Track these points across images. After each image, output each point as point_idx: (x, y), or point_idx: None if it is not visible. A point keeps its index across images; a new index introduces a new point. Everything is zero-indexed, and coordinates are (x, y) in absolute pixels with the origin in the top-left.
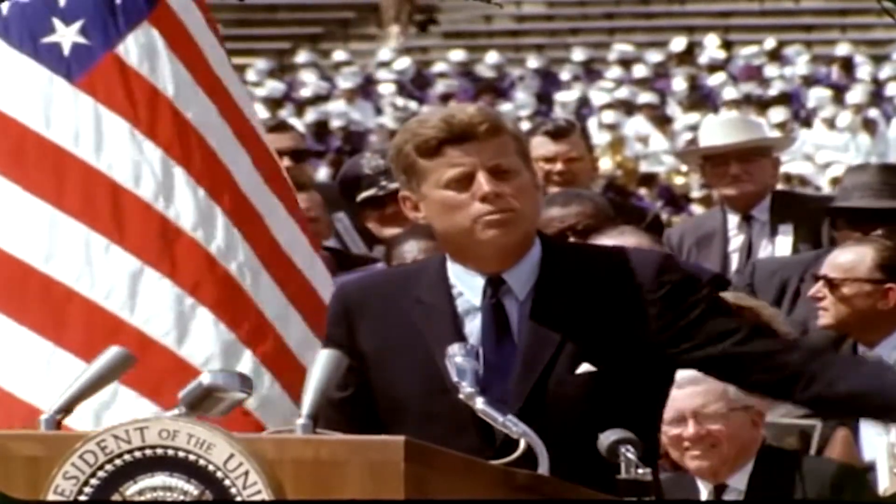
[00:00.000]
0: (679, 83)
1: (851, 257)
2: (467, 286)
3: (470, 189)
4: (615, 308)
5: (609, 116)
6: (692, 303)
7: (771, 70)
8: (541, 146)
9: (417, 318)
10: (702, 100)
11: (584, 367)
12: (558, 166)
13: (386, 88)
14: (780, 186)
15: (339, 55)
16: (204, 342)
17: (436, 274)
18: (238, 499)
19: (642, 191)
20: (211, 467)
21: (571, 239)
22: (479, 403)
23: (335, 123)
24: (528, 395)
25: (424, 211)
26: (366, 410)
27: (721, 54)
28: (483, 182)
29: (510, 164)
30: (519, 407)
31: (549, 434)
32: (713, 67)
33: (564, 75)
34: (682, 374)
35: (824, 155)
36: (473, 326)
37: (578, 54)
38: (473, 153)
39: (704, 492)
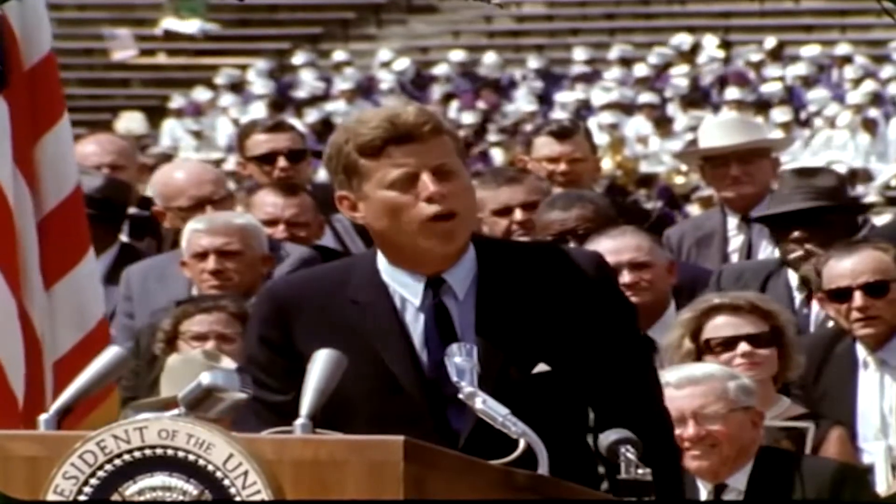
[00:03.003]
0: (679, 83)
1: (877, 257)
2: (402, 285)
3: (414, 190)
4: (558, 303)
5: (609, 117)
6: (615, 313)
7: (771, 70)
8: (545, 146)
9: (355, 319)
10: (702, 100)
11: (540, 367)
12: (562, 167)
13: (386, 88)
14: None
15: (338, 55)
16: None
17: (368, 273)
18: (237, 499)
19: (641, 191)
20: (210, 467)
21: (572, 244)
22: (479, 403)
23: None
24: (490, 394)
25: (364, 211)
26: None
27: (721, 54)
28: (428, 182)
29: (453, 164)
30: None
31: (507, 436)
32: (713, 68)
33: (564, 75)
34: (681, 375)
35: (824, 155)
36: (416, 326)
37: (579, 54)
38: (417, 154)
39: (704, 492)
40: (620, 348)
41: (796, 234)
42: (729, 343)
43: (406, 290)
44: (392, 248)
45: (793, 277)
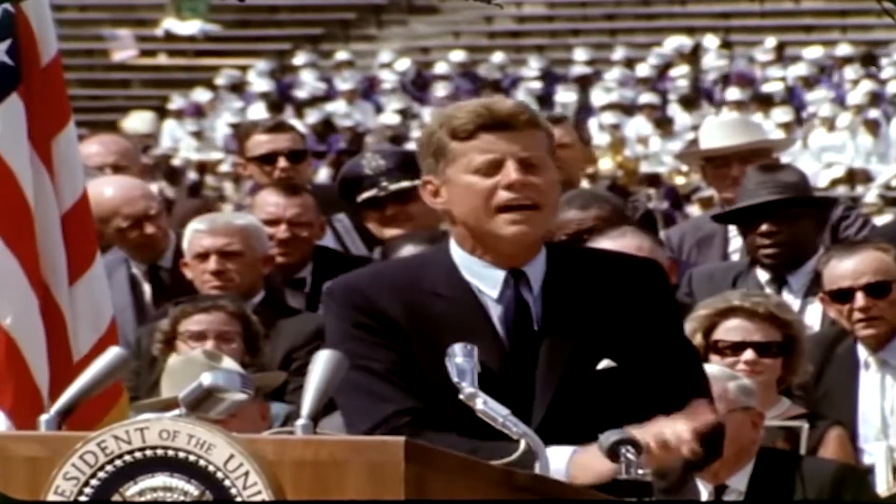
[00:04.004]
0: (680, 83)
1: (878, 257)
2: (479, 276)
3: (497, 176)
4: (620, 306)
5: (610, 117)
6: (672, 320)
7: (772, 71)
8: None
9: (441, 311)
10: (702, 100)
11: (605, 363)
12: None
13: (387, 89)
14: None
15: (339, 56)
16: None
17: (444, 267)
18: (238, 499)
19: (649, 191)
20: (211, 468)
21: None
22: (480, 404)
23: (341, 124)
24: (557, 386)
25: (446, 195)
26: (415, 378)
27: (722, 55)
28: (511, 170)
29: (540, 159)
30: (550, 398)
31: (579, 426)
32: (714, 68)
33: (565, 76)
34: None
35: (824, 155)
36: (497, 319)
37: (579, 55)
38: (507, 141)
39: (705, 492)
40: (676, 352)
41: (764, 227)
42: (736, 347)
43: (483, 281)
44: (471, 235)
45: (762, 276)
